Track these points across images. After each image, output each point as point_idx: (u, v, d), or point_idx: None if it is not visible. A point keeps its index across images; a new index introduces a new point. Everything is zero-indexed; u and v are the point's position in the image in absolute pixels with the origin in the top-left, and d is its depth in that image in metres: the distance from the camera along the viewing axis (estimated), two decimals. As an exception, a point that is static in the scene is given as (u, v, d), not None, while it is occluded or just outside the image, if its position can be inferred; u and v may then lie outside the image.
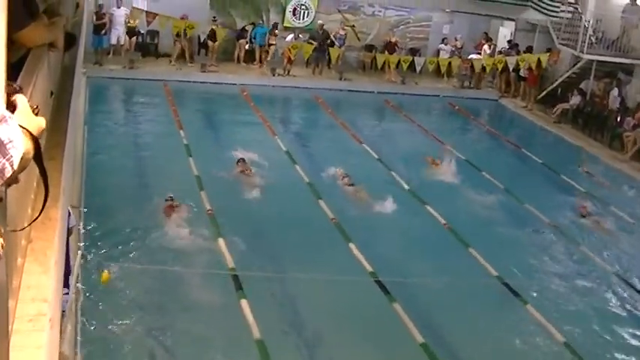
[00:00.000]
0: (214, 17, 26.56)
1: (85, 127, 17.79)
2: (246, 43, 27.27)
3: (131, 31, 25.59)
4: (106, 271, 10.75)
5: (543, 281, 13.07)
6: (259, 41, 27.13)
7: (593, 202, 17.05)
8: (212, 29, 25.92)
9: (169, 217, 13.52)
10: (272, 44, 26.98)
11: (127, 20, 25.31)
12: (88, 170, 15.01)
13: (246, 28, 27.02)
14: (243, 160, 16.70)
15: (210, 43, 26.25)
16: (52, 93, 5.46)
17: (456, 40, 29.42)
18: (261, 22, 27.38)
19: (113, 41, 25.71)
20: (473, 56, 28.28)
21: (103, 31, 24.95)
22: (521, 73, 27.09)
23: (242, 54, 27.18)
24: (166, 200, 13.93)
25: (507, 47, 28.41)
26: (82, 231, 12.07)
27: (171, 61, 25.98)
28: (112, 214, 13.55)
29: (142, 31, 26.30)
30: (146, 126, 20.26)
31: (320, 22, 27.44)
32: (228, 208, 14.41)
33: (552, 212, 16.12)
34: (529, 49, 27.29)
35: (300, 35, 27.36)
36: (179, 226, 13.29)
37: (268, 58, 26.87)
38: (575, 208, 16.72)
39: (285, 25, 28.30)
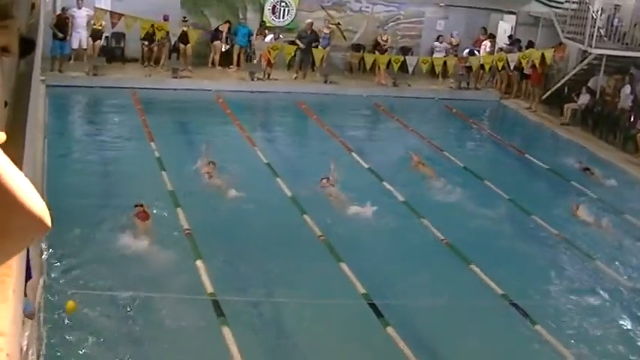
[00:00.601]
0: (184, 17, 26.55)
1: (45, 140, 17.71)
2: (222, 44, 27.29)
3: (95, 34, 25.49)
4: (71, 300, 10.67)
5: (554, 299, 13.08)
6: (242, 42, 27.09)
7: (605, 210, 17.12)
8: (183, 31, 25.87)
9: (142, 226, 13.75)
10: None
11: (90, 22, 25.23)
12: (48, 188, 14.90)
13: (220, 28, 26.99)
14: (213, 162, 17.02)
15: (182, 46, 26.27)
16: (6, 103, 5.42)
17: (452, 37, 29.53)
18: (242, 19, 27.32)
19: (74, 45, 25.63)
20: (470, 53, 28.38)
21: (64, 35, 24.81)
22: (525, 70, 27.19)
23: (217, 57, 27.17)
24: (135, 207, 14.17)
25: (508, 43, 28.53)
26: (44, 255, 12.01)
27: (144, 64, 26.00)
28: (77, 236, 13.47)
29: (107, 34, 26.17)
30: (113, 138, 20.21)
31: (309, 20, 27.46)
32: (207, 226, 14.39)
33: (561, 223, 16.17)
34: (530, 44, 27.42)
35: (280, 35, 27.35)
36: (152, 246, 13.26)
37: (255, 61, 26.81)
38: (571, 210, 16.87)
39: (264, 23, 28.31)
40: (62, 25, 24.76)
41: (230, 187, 16.33)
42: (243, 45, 27.20)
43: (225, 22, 27.22)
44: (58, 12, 25.03)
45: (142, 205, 14.23)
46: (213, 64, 27.31)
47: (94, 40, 25.59)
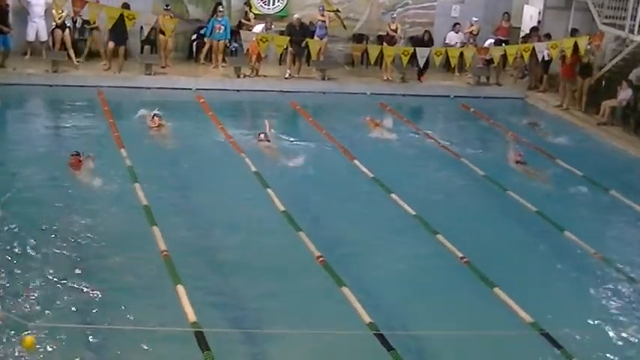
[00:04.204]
0: (167, 5, 26.55)
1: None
2: (196, 39, 27.51)
3: (61, 24, 25.44)
4: (29, 335, 10.64)
5: (593, 329, 13.04)
6: (221, 35, 27.08)
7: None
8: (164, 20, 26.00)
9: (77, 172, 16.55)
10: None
11: (49, 9, 25.25)
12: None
13: (219, 17, 26.94)
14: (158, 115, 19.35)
15: (161, 37, 26.34)
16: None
17: (472, 25, 29.54)
18: (221, 7, 27.31)
19: (30, 38, 25.67)
20: (491, 42, 28.41)
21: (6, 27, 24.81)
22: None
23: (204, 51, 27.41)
24: (72, 155, 16.95)
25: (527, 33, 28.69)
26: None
27: (106, 65, 25.95)
28: (34, 260, 13.50)
29: (68, 24, 26.13)
30: (77, 145, 20.10)
31: (296, 16, 27.52)
32: (188, 247, 14.46)
33: (600, 240, 16.18)
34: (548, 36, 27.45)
35: (272, 26, 27.34)
36: (125, 271, 13.29)
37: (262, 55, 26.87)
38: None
39: (252, 12, 28.38)
40: (2, 15, 24.78)
41: (210, 196, 16.42)
42: (223, 39, 27.18)
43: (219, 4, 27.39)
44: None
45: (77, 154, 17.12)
46: (196, 59, 27.50)
47: (63, 30, 25.52)
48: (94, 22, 25.50)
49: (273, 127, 21.33)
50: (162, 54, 26.57)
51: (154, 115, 21.20)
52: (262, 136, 20.78)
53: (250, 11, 28.07)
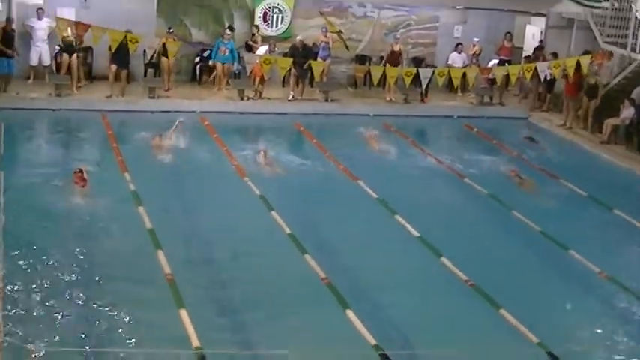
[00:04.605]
0: (170, 28, 26.78)
1: (-1, 174, 17.93)
2: (199, 61, 27.61)
3: (69, 47, 25.44)
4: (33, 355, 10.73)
5: (599, 348, 13.11)
6: (227, 57, 27.17)
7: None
8: (164, 43, 26.12)
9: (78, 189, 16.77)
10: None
11: (52, 33, 25.37)
12: (5, 231, 15.03)
13: (225, 39, 27.05)
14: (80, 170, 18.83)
15: (164, 60, 26.46)
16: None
17: (474, 45, 29.67)
18: (228, 32, 27.43)
19: (34, 62, 25.80)
20: (495, 63, 28.51)
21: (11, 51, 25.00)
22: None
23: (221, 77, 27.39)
24: (75, 173, 17.59)
25: (532, 53, 28.75)
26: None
27: (111, 94, 25.87)
28: (37, 284, 13.58)
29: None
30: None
31: (299, 38, 27.63)
32: (192, 270, 14.55)
33: (605, 258, 16.18)
34: (554, 56, 27.52)
35: (276, 48, 27.51)
36: (128, 294, 13.35)
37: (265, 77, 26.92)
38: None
39: (259, 34, 28.51)
40: (8, 39, 24.90)
41: (215, 219, 16.49)
42: (228, 61, 27.27)
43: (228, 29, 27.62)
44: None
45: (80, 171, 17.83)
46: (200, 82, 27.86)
47: (71, 55, 25.52)
48: (81, 43, 25.69)
49: (277, 149, 21.50)
50: (165, 77, 26.70)
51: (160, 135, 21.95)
52: (262, 154, 21.30)
53: (258, 33, 28.15)
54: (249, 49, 27.74)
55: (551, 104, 28.48)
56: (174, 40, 26.34)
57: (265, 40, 28.00)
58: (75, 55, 25.61)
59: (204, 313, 12.88)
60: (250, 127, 26.20)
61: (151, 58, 26.78)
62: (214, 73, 27.38)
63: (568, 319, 14.12)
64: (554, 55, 27.52)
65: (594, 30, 26.76)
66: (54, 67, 26.19)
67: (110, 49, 25.36)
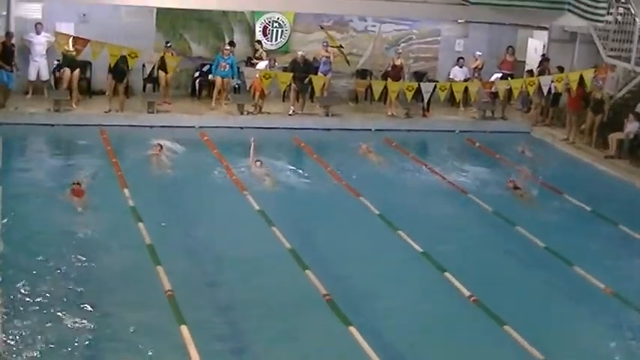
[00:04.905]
0: (167, 42, 26.78)
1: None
2: (199, 76, 27.57)
3: (71, 62, 25.37)
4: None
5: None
6: (226, 72, 27.08)
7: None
8: (162, 57, 25.96)
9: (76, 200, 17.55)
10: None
11: (50, 48, 25.35)
12: (4, 251, 15.01)
13: (225, 55, 26.97)
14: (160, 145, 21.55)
15: (161, 74, 26.40)
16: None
17: (476, 59, 29.67)
18: (227, 47, 27.37)
19: (32, 77, 25.77)
20: (497, 77, 28.47)
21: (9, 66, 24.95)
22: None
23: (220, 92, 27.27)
24: (73, 184, 18.18)
25: (537, 67, 28.73)
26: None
27: (109, 109, 25.82)
28: (35, 301, 13.51)
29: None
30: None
31: (301, 53, 27.62)
32: (193, 287, 14.49)
33: (610, 274, 16.14)
34: (561, 69, 27.48)
35: (276, 63, 27.43)
36: (128, 311, 13.32)
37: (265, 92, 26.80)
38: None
39: (263, 50, 28.49)
40: (7, 54, 24.83)
41: (215, 235, 16.46)
42: (228, 76, 27.16)
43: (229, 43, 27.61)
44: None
45: (79, 183, 18.35)
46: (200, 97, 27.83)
47: (73, 70, 25.50)
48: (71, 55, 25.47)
49: (277, 164, 21.51)
50: (162, 91, 26.70)
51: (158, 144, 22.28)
52: (257, 163, 21.44)
53: (262, 49, 28.09)
54: (250, 63, 27.67)
55: (555, 118, 28.44)
56: (172, 54, 26.25)
57: (266, 54, 27.93)
58: (77, 70, 25.61)
59: (206, 330, 12.79)
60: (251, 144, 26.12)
61: (150, 72, 26.71)
62: (217, 89, 27.26)
63: (573, 336, 14.07)
64: (560, 69, 27.48)
65: (598, 44, 26.73)
66: (52, 82, 26.17)
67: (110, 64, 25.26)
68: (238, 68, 27.30)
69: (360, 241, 17.14)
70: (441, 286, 15.17)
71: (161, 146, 22.25)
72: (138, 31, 26.52)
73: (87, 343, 12.40)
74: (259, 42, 28.35)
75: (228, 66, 26.92)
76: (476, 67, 29.74)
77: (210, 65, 27.44)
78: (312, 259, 15.66)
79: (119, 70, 25.35)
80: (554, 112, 28.53)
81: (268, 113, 27.07)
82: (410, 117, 28.09)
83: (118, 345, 12.43)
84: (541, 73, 28.09)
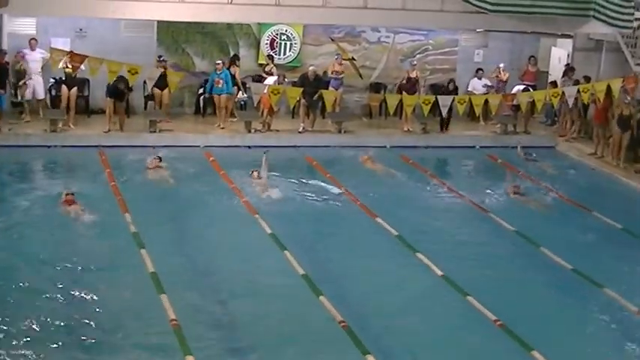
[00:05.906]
0: (160, 57, 26.86)
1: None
2: (202, 92, 27.62)
3: (69, 80, 25.49)
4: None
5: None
6: (222, 89, 27.00)
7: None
8: (162, 74, 25.92)
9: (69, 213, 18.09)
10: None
11: (46, 66, 25.43)
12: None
13: (232, 71, 27.12)
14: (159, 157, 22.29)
15: (157, 91, 26.45)
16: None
17: (501, 71, 29.69)
18: (218, 61, 27.33)
19: (28, 96, 25.78)
20: (519, 89, 28.44)
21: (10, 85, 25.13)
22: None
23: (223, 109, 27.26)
24: (66, 194, 19.15)
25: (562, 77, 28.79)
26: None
27: (109, 129, 25.88)
28: (37, 333, 13.55)
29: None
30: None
31: (312, 68, 27.63)
32: (199, 316, 14.51)
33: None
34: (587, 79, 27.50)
35: (285, 79, 27.40)
36: (132, 342, 13.39)
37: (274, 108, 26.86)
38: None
39: (260, 62, 28.58)
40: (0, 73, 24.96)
41: (223, 261, 16.48)
42: (223, 93, 27.04)
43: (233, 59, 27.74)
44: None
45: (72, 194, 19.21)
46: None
47: (70, 88, 25.60)
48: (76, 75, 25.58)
49: (289, 185, 21.56)
50: (162, 109, 26.77)
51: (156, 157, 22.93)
52: (256, 174, 22.15)
53: (272, 64, 28.17)
54: (258, 78, 27.73)
55: (582, 132, 28.41)
56: (165, 68, 26.14)
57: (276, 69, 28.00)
58: (75, 88, 25.71)
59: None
60: (259, 162, 26.08)
61: (152, 89, 26.75)
62: (218, 108, 27.27)
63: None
64: (587, 79, 27.48)
65: (625, 52, 26.72)
66: (48, 101, 26.24)
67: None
68: (244, 83, 27.36)
69: (377, 265, 17.12)
70: (464, 310, 15.18)
71: (160, 158, 22.83)
72: (138, 46, 26.69)
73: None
74: (270, 57, 28.40)
75: (222, 82, 26.82)
76: (500, 80, 29.66)
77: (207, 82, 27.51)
78: (327, 285, 15.65)
79: (112, 91, 25.44)
80: (582, 125, 28.49)
81: (277, 131, 27.12)
82: (427, 132, 28.12)
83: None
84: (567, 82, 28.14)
